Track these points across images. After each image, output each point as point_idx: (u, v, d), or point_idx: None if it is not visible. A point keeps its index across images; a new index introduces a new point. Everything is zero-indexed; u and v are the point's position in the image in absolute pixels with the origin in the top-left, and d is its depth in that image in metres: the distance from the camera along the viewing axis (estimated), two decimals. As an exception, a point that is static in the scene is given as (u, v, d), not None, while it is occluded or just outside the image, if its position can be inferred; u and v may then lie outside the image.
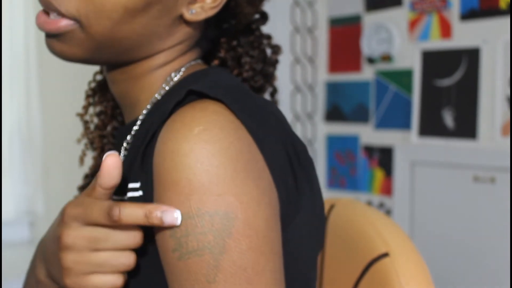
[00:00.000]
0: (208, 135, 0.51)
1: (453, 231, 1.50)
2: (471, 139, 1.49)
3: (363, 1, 1.74)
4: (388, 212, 1.69)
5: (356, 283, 0.78)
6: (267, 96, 0.77)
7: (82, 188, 0.81)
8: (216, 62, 0.73)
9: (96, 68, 0.80)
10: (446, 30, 1.55)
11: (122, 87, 0.67)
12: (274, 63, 0.76)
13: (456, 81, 1.52)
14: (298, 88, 1.82)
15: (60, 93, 2.32)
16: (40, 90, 2.38)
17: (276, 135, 0.56)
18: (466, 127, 1.50)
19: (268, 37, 0.75)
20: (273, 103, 0.61)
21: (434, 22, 1.57)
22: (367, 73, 1.74)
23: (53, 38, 0.62)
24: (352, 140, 1.79)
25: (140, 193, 0.56)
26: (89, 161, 0.82)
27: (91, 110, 0.79)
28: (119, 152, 0.66)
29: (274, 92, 0.77)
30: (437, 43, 1.56)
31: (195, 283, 0.49)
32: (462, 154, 1.49)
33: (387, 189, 1.69)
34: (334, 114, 1.84)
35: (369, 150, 1.74)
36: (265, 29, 0.76)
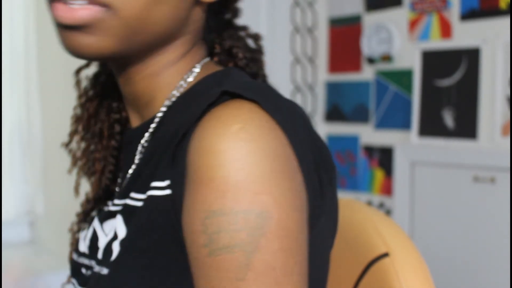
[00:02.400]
0: (246, 133, 0.50)
1: (453, 231, 1.50)
2: (471, 139, 1.49)
3: (363, 1, 1.74)
4: (388, 212, 1.69)
5: (356, 283, 0.78)
6: None
7: (84, 214, 0.79)
8: (216, 58, 0.73)
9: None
10: (446, 30, 1.55)
11: (138, 86, 0.65)
12: (260, 49, 0.76)
13: (456, 81, 1.53)
14: (298, 88, 1.82)
15: (60, 93, 2.32)
16: (40, 90, 2.39)
17: (305, 137, 0.56)
18: (466, 127, 1.50)
19: (244, 28, 0.75)
20: (299, 105, 0.61)
21: (434, 22, 1.57)
22: (367, 73, 1.74)
23: (75, 30, 0.56)
24: (352, 140, 1.79)
25: (167, 192, 0.56)
26: (84, 185, 0.81)
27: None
28: (134, 154, 0.66)
29: (264, 80, 0.76)
30: (437, 43, 1.56)
31: (224, 280, 0.49)
32: (462, 154, 1.49)
33: (387, 189, 1.69)
34: (334, 114, 1.84)
35: (369, 150, 1.74)
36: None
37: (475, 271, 1.46)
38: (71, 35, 0.57)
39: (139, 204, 0.59)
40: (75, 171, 0.79)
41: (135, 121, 0.69)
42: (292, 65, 1.80)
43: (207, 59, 0.67)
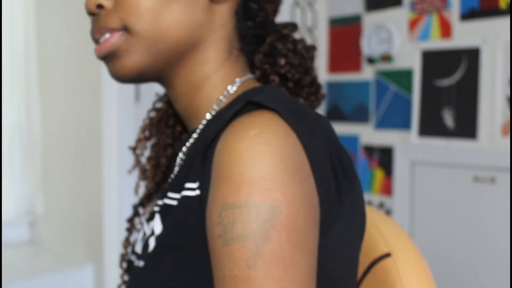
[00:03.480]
0: (263, 137, 0.56)
1: (453, 231, 1.50)
2: (471, 139, 1.49)
3: (363, 1, 1.74)
4: (388, 212, 1.69)
5: (358, 283, 0.78)
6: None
7: (131, 219, 0.86)
8: (258, 72, 0.77)
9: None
10: (446, 30, 1.55)
11: (185, 101, 0.72)
12: (311, 58, 0.80)
13: (456, 81, 1.53)
14: (298, 88, 1.82)
15: (60, 93, 2.32)
16: (40, 90, 2.39)
17: (323, 145, 0.60)
18: (466, 127, 1.50)
19: (301, 40, 0.80)
20: (326, 118, 0.66)
21: (434, 22, 1.57)
22: (367, 73, 1.75)
23: (111, 59, 0.68)
24: (352, 140, 1.79)
25: (197, 192, 0.61)
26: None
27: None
28: (176, 159, 0.73)
29: (318, 88, 0.80)
30: (437, 43, 1.56)
31: (235, 268, 0.52)
32: (462, 154, 1.49)
33: (387, 189, 1.69)
34: (334, 114, 1.85)
35: (369, 150, 1.75)
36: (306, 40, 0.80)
37: (475, 271, 1.46)
38: (110, 65, 0.69)
39: (174, 203, 0.65)
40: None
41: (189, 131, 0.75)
42: (292, 65, 1.80)
43: (248, 76, 0.73)
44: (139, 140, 0.85)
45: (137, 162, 0.85)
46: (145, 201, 0.85)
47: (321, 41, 1.87)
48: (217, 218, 0.55)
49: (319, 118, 0.63)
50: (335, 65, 1.84)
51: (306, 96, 0.78)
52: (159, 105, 0.85)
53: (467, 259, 1.47)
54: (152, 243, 0.65)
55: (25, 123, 2.40)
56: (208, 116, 0.70)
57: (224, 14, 0.70)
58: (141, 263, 0.66)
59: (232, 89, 0.70)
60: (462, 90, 1.51)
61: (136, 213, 0.85)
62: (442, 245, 1.52)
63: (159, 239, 0.64)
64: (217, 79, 0.70)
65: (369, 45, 1.69)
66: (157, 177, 0.83)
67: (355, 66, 1.78)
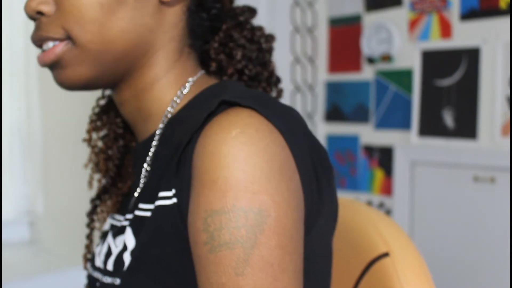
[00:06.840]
0: (245, 137, 0.53)
1: (453, 231, 1.50)
2: (471, 139, 1.49)
3: (363, 1, 1.74)
4: (388, 212, 1.69)
5: (356, 282, 0.78)
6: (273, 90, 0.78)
7: (90, 213, 0.82)
8: (213, 64, 0.73)
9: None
10: (446, 30, 1.55)
11: (132, 104, 0.68)
12: (269, 50, 0.77)
13: (456, 81, 1.53)
14: (298, 88, 1.82)
15: (60, 93, 2.32)
16: (40, 90, 2.39)
17: (303, 139, 0.58)
18: (466, 127, 1.50)
19: (260, 28, 0.76)
20: (295, 109, 0.63)
21: (434, 22, 1.57)
22: (367, 73, 1.75)
23: (55, 68, 0.65)
24: (352, 140, 1.79)
25: (174, 200, 0.58)
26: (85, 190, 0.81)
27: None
28: (141, 167, 0.69)
29: (277, 82, 0.78)
30: (437, 43, 1.56)
31: (223, 275, 0.51)
32: (462, 154, 1.49)
33: (387, 189, 1.69)
34: (334, 114, 1.84)
35: (369, 150, 1.74)
36: (266, 28, 0.77)
37: (475, 271, 1.46)
38: (54, 74, 0.66)
39: (148, 214, 0.61)
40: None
41: (139, 137, 0.71)
42: (292, 65, 1.80)
43: (201, 72, 0.69)
44: (90, 130, 0.78)
45: (94, 154, 0.79)
46: (101, 195, 0.80)
47: (321, 41, 1.87)
48: (202, 224, 0.52)
49: (291, 110, 0.61)
50: (335, 65, 1.84)
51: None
52: (102, 102, 0.80)
53: (467, 259, 1.47)
54: (127, 258, 0.62)
55: (25, 123, 2.40)
56: (164, 119, 0.66)
57: (176, 13, 0.66)
58: (117, 281, 0.62)
59: (185, 90, 0.66)
60: (462, 90, 1.51)
61: (94, 207, 0.81)
62: (442, 245, 1.52)
63: (134, 253, 0.60)
64: (168, 81, 0.66)
65: (369, 45, 1.69)
66: (111, 171, 0.78)
67: (355, 66, 1.78)
